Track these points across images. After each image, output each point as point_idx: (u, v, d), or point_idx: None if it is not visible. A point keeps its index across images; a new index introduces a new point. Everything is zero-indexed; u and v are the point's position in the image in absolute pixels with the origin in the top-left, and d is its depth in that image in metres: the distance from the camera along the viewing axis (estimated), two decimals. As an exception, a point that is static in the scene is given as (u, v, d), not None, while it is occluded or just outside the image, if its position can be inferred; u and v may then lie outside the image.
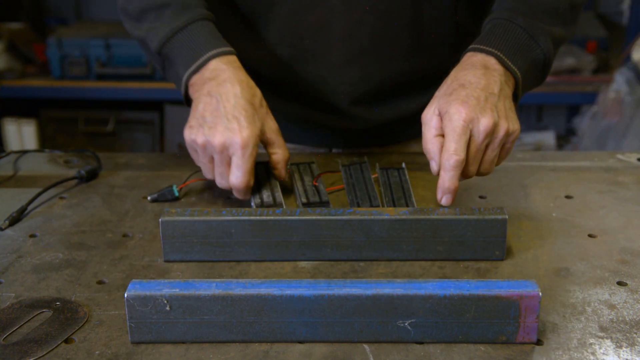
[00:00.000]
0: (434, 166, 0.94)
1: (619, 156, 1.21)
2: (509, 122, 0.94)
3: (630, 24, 2.95)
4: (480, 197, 1.08)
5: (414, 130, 1.25)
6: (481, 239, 0.91)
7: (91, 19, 3.29)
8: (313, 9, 1.10)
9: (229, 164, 0.97)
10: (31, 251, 0.95)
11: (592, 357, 0.74)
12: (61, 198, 1.09)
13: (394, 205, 0.99)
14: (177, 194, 1.05)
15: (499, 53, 0.99)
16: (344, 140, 1.26)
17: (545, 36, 1.02)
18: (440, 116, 0.94)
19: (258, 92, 1.01)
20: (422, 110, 1.24)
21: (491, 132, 0.92)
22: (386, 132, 1.25)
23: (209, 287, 0.75)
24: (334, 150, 1.27)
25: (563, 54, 2.89)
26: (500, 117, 0.93)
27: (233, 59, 1.02)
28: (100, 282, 0.88)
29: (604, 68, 2.93)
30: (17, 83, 3.02)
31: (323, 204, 1.01)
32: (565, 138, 3.21)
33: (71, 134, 3.24)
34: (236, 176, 0.96)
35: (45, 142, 3.22)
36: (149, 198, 1.03)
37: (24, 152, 1.25)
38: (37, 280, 0.88)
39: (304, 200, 1.02)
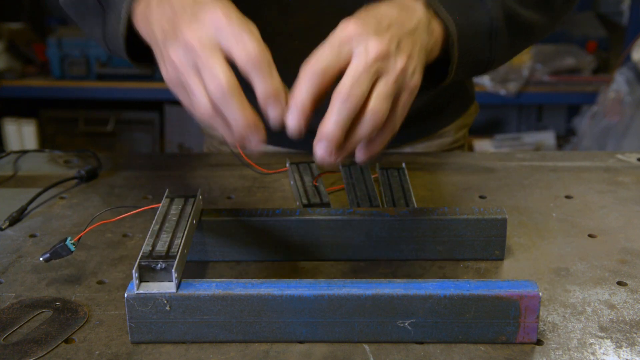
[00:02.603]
0: None
1: (619, 156, 1.21)
2: (410, 62, 0.74)
3: (630, 24, 2.96)
4: (480, 197, 1.08)
5: (409, 132, 1.25)
6: (481, 239, 0.91)
7: (91, 19, 3.29)
8: (302, 10, 1.09)
9: (218, 54, 0.70)
10: (31, 251, 0.95)
11: (592, 357, 0.75)
12: (61, 198, 1.09)
13: (394, 205, 0.99)
14: (72, 248, 0.86)
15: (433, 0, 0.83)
16: None
17: (495, 0, 0.88)
18: None
19: None
20: (416, 112, 1.23)
21: (382, 57, 0.72)
22: None
23: (209, 287, 0.75)
24: None
25: (563, 54, 2.89)
26: (400, 52, 0.74)
27: None
28: (100, 282, 0.88)
29: (604, 68, 2.93)
30: (17, 83, 3.02)
31: (323, 205, 1.01)
32: (565, 138, 3.21)
33: (71, 134, 3.24)
34: (242, 47, 0.70)
35: (45, 142, 3.22)
36: (41, 258, 0.87)
37: (24, 152, 1.25)
38: (37, 280, 0.88)
39: (304, 201, 1.02)
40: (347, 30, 0.72)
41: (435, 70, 0.88)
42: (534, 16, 0.95)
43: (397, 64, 0.73)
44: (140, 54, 0.87)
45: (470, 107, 1.31)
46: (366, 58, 0.71)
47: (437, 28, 0.82)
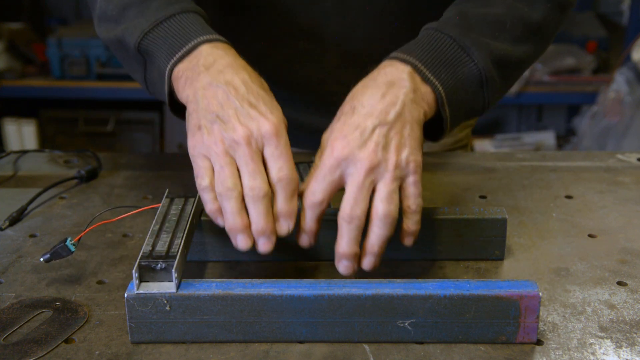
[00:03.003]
0: None
1: (619, 156, 1.21)
2: (401, 154, 0.80)
3: (630, 24, 2.95)
4: (480, 197, 1.08)
5: None
6: (481, 239, 0.91)
7: (91, 19, 3.29)
8: (306, 11, 1.09)
9: (259, 158, 0.80)
10: (31, 251, 0.95)
11: (592, 357, 0.74)
12: (61, 198, 1.09)
13: (394, 205, 0.99)
14: (72, 249, 0.86)
15: (417, 63, 0.86)
16: None
17: (482, 50, 0.89)
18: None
19: (265, 83, 0.86)
20: None
21: (372, 169, 0.79)
22: None
23: (209, 287, 0.75)
24: None
25: (563, 54, 2.89)
26: (387, 151, 0.80)
27: (228, 46, 0.88)
28: (100, 282, 0.88)
29: (604, 68, 2.93)
30: (17, 83, 3.02)
31: (323, 204, 1.01)
32: (565, 138, 3.21)
33: (71, 134, 3.24)
34: (280, 167, 0.79)
35: (45, 142, 3.22)
36: (41, 259, 0.87)
37: (24, 152, 1.25)
38: (37, 280, 0.88)
39: (304, 200, 1.02)
40: (334, 154, 0.80)
41: (434, 124, 0.90)
42: (527, 49, 0.95)
43: (389, 163, 0.79)
44: (181, 105, 0.91)
45: None
46: (358, 178, 0.79)
47: (427, 91, 0.85)
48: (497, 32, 0.92)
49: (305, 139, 1.25)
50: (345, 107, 0.84)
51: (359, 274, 0.81)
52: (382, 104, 0.82)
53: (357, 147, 0.79)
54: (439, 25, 0.90)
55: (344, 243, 0.80)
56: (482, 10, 0.93)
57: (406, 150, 0.81)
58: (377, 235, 0.80)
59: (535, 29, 0.95)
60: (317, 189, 0.80)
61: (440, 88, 0.86)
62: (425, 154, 1.23)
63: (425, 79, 0.85)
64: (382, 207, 0.79)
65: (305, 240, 0.82)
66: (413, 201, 0.81)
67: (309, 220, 0.81)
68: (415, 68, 0.85)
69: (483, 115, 0.98)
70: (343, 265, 0.80)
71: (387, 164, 0.79)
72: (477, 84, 0.90)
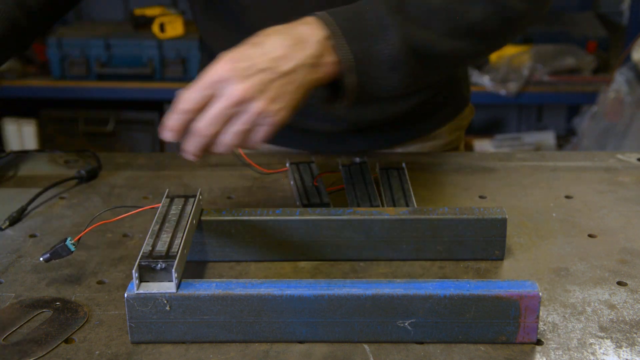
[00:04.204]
0: None
1: (619, 156, 1.21)
2: (271, 104, 0.84)
3: (630, 24, 2.95)
4: (480, 197, 1.08)
5: (401, 133, 1.25)
6: (481, 239, 0.91)
7: (91, 19, 3.29)
8: (287, 14, 1.09)
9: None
10: (31, 251, 0.95)
11: (592, 357, 0.74)
12: (61, 198, 1.09)
13: (394, 205, 0.99)
14: (72, 248, 0.87)
15: (337, 29, 0.88)
16: (325, 144, 1.23)
17: (400, 33, 0.90)
18: None
19: None
20: (408, 114, 1.23)
21: (239, 103, 0.83)
22: (370, 135, 1.23)
23: (209, 287, 0.75)
24: (328, 154, 1.24)
25: (563, 54, 2.89)
26: (262, 96, 0.83)
27: None
28: (100, 282, 0.88)
29: (604, 68, 2.93)
30: (17, 83, 3.02)
31: (323, 205, 1.01)
32: (565, 138, 3.21)
33: (71, 134, 3.24)
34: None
35: (45, 142, 3.22)
36: (41, 259, 0.87)
37: (24, 152, 1.25)
38: (37, 280, 0.88)
39: (304, 201, 1.02)
40: (217, 72, 0.84)
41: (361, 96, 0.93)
42: (458, 45, 0.95)
43: (254, 107, 0.83)
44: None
45: (464, 109, 1.30)
46: (225, 103, 0.83)
47: (331, 62, 0.88)
48: (427, 21, 0.92)
49: (288, 139, 1.24)
50: (255, 38, 0.87)
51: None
52: (281, 53, 0.85)
53: (239, 77, 0.83)
54: (377, 1, 0.91)
55: (188, 145, 0.86)
56: None
57: (277, 105, 0.84)
58: (195, 143, 0.86)
59: (470, 28, 0.95)
60: (187, 97, 0.84)
61: (351, 57, 0.88)
62: (425, 154, 1.23)
63: (338, 46, 0.88)
64: (225, 137, 0.85)
65: (167, 135, 0.86)
66: (233, 136, 0.85)
67: (171, 122, 0.86)
68: (332, 33, 0.88)
69: (405, 94, 1.00)
70: (184, 153, 0.88)
71: (253, 105, 0.83)
72: (388, 64, 0.91)
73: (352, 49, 0.88)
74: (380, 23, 0.90)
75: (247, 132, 0.85)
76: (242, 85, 0.83)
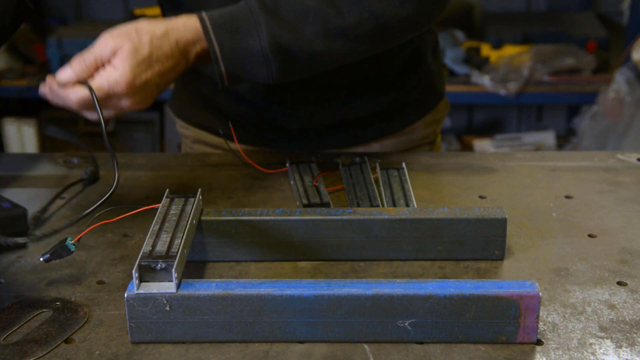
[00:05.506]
0: None
1: (619, 156, 1.22)
2: (135, 101, 0.98)
3: (630, 24, 2.95)
4: (480, 197, 1.08)
5: (376, 129, 1.26)
6: (481, 239, 0.91)
7: (91, 19, 3.29)
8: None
9: None
10: (31, 251, 0.95)
11: (592, 357, 0.74)
12: (61, 198, 1.09)
13: (394, 205, 0.99)
14: (72, 248, 0.86)
15: (208, 24, 0.98)
16: (299, 142, 1.24)
17: (270, 30, 0.98)
18: None
19: None
20: (379, 111, 1.24)
21: (110, 94, 0.98)
22: (343, 132, 1.24)
23: (209, 287, 0.75)
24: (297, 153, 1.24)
25: (563, 54, 2.89)
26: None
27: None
28: (100, 282, 0.88)
29: (604, 68, 2.93)
30: (17, 83, 3.02)
31: (324, 205, 1.01)
32: (565, 138, 3.21)
33: (71, 134, 3.24)
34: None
35: (45, 142, 3.22)
36: (41, 259, 0.86)
37: (23, 152, 1.25)
38: (37, 280, 0.88)
39: (304, 201, 1.02)
40: (102, 47, 0.99)
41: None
42: (331, 45, 1.00)
43: (123, 103, 0.99)
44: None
45: (439, 103, 1.31)
46: (101, 85, 0.97)
47: (199, 52, 0.99)
48: (300, 22, 0.99)
49: (260, 137, 1.24)
50: (134, 24, 0.98)
51: None
52: (148, 42, 0.96)
53: (112, 36, 0.97)
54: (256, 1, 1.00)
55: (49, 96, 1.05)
56: None
57: (138, 99, 0.98)
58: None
59: (343, 31, 1.00)
60: (70, 69, 1.01)
61: (217, 49, 0.98)
62: (425, 154, 1.23)
63: (208, 39, 0.98)
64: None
65: (42, 94, 1.04)
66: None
67: (51, 89, 1.04)
68: (204, 28, 0.98)
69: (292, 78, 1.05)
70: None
71: (122, 100, 0.98)
72: (259, 58, 0.99)
73: (223, 41, 0.98)
74: (255, 20, 0.98)
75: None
76: (113, 41, 0.97)
